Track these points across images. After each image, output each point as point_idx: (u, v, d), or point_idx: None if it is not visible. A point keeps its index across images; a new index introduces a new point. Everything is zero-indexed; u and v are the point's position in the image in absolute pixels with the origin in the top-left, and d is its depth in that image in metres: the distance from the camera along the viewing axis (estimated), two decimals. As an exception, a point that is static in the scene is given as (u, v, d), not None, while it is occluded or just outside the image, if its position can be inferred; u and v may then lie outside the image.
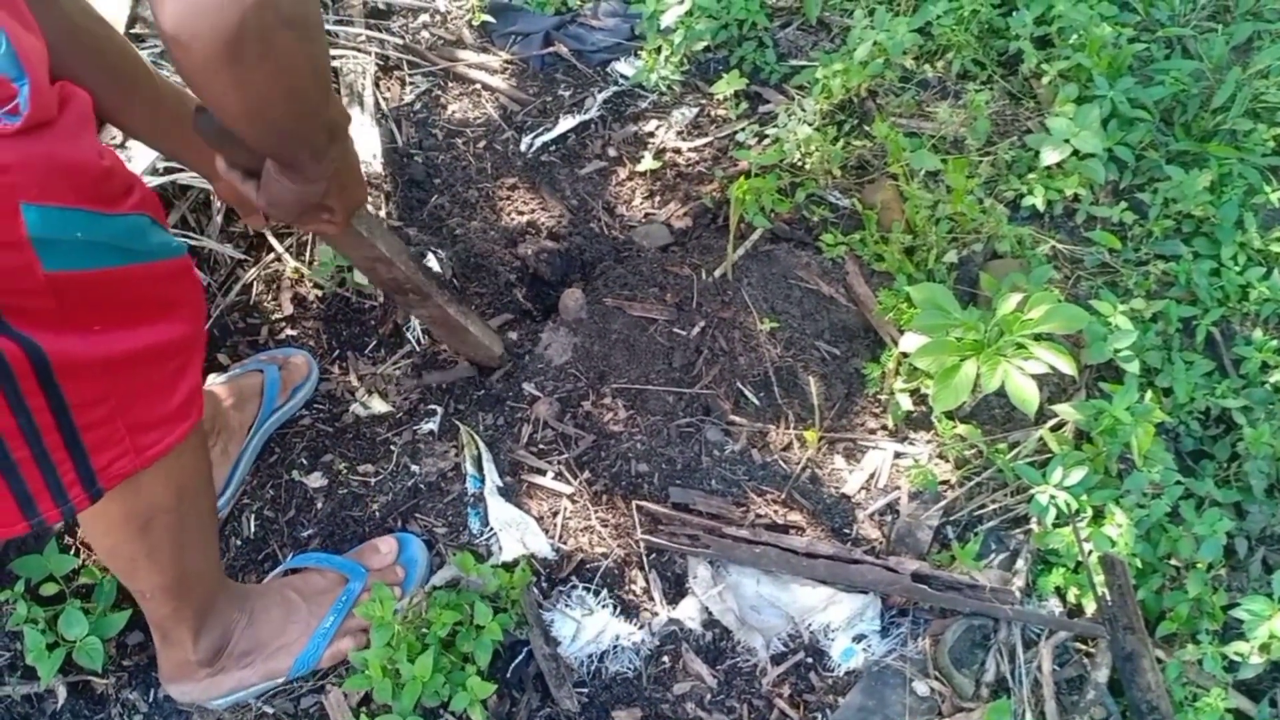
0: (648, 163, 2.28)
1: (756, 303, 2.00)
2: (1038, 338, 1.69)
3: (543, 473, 1.87)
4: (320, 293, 2.11)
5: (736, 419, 1.93)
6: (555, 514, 1.83)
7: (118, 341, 1.09)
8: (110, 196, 1.07)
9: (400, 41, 2.53)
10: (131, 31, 2.19)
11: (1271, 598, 1.65)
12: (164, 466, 1.23)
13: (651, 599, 1.75)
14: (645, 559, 1.78)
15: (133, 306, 1.11)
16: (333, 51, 2.39)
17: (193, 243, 2.06)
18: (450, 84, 2.50)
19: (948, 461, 1.89)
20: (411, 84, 2.48)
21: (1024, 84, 2.35)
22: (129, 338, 1.10)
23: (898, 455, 1.91)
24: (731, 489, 1.85)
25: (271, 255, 2.15)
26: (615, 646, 1.70)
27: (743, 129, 2.30)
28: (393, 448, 1.91)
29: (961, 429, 1.85)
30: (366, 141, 2.25)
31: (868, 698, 1.65)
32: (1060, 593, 1.73)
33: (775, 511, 1.82)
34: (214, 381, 1.91)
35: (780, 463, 1.89)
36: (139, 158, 1.96)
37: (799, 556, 1.71)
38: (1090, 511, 1.75)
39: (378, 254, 1.61)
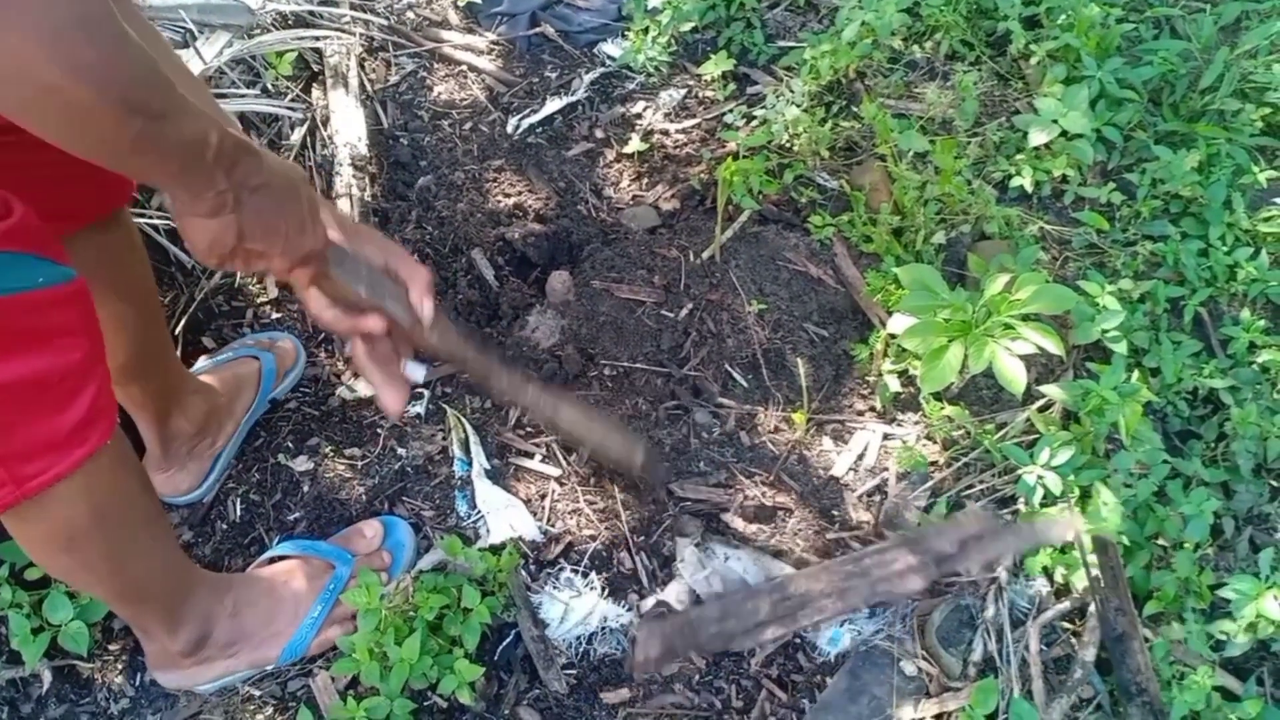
0: (635, 144, 2.27)
1: (744, 284, 2.00)
2: (1025, 318, 1.68)
3: (530, 455, 1.87)
4: (306, 276, 2.09)
5: (725, 401, 1.92)
6: (543, 496, 1.83)
7: None
8: None
9: (385, 22, 2.52)
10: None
11: (1258, 577, 1.65)
12: (69, 490, 1.18)
13: (639, 581, 1.75)
14: (632, 541, 1.77)
15: None
16: (317, 33, 2.37)
17: (176, 225, 2.04)
18: (436, 65, 2.48)
19: (936, 442, 1.89)
20: (397, 65, 2.47)
21: (1012, 65, 2.35)
22: None
23: (886, 436, 1.91)
24: (720, 471, 1.84)
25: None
26: (603, 628, 1.70)
27: (731, 110, 2.29)
28: (379, 431, 1.90)
29: (949, 410, 1.85)
30: (352, 123, 2.23)
31: (855, 678, 1.65)
32: (1048, 572, 1.73)
33: (763, 493, 1.82)
34: (206, 367, 1.90)
35: (769, 444, 1.88)
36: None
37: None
38: (1078, 492, 1.75)
39: (396, 317, 1.28)
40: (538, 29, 2.54)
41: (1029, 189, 2.05)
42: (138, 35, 0.86)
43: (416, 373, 1.33)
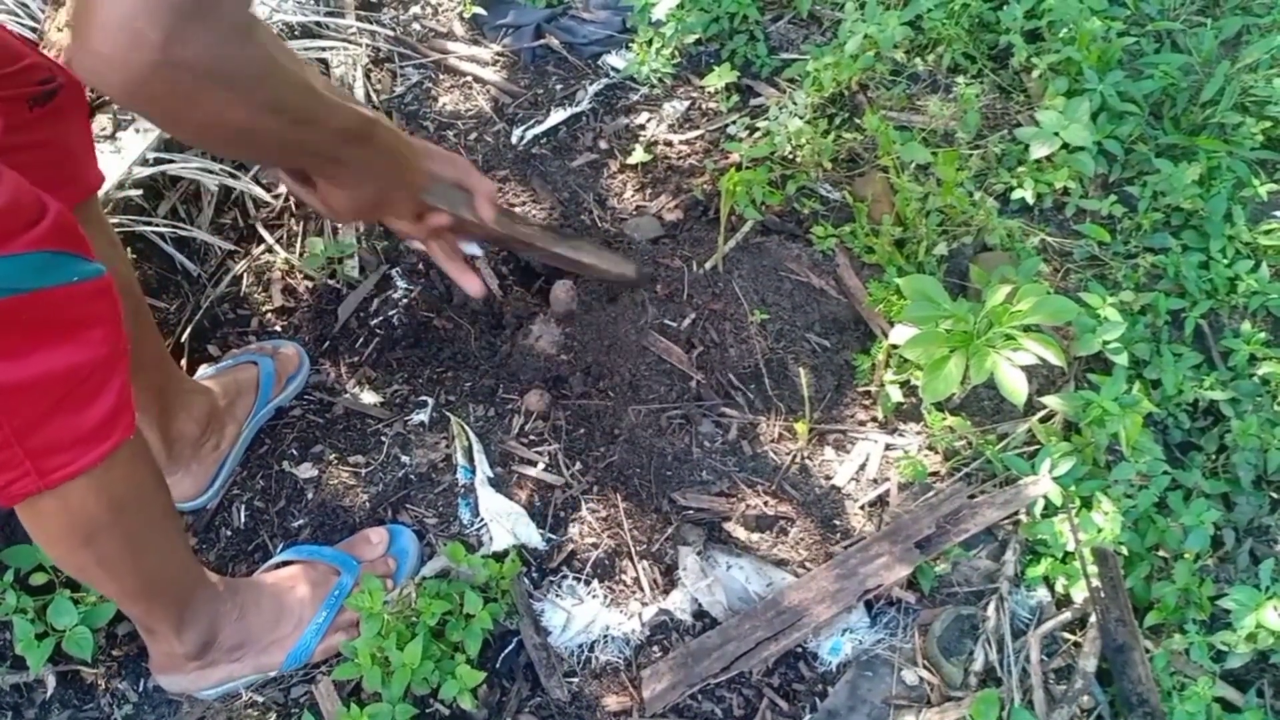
0: (639, 155, 2.28)
1: (747, 295, 2.01)
2: (1027, 329, 1.69)
3: (533, 464, 1.88)
4: (311, 284, 2.11)
5: (727, 410, 1.93)
6: (546, 505, 1.83)
7: (7, 371, 1.06)
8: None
9: (391, 33, 2.53)
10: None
11: (1259, 588, 1.65)
12: (90, 483, 1.20)
13: (641, 589, 1.75)
14: (635, 549, 1.78)
15: (27, 333, 1.08)
16: (323, 44, 2.39)
17: (183, 233, 2.06)
18: (441, 76, 2.50)
19: (937, 453, 1.89)
20: (402, 76, 2.48)
21: (1014, 77, 2.36)
22: (21, 366, 1.07)
23: (888, 447, 1.91)
24: (722, 480, 1.85)
25: (262, 247, 2.15)
26: (605, 636, 1.70)
27: (734, 122, 2.30)
28: (383, 439, 1.91)
29: (951, 420, 1.86)
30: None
31: (856, 687, 1.65)
32: (1048, 582, 1.73)
33: (765, 503, 1.83)
34: (207, 375, 1.91)
35: (771, 454, 1.89)
36: (129, 148, 1.96)
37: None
38: (1078, 502, 1.75)
39: (468, 221, 1.56)
40: (542, 40, 2.56)
41: (1030, 201, 2.06)
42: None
43: (473, 249, 1.64)
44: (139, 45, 0.83)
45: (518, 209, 2.22)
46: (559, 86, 2.47)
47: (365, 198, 1.28)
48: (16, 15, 2.04)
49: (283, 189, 2.18)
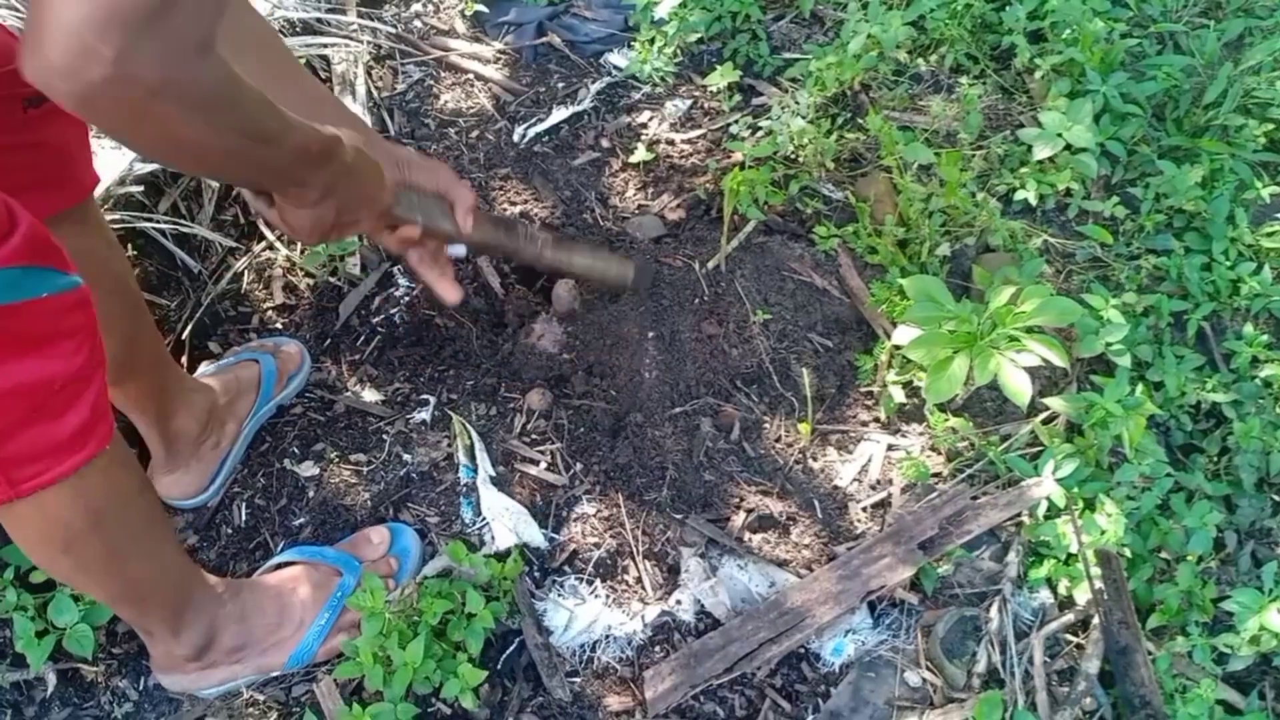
0: (641, 154, 2.27)
1: (749, 294, 2.00)
2: (1030, 331, 1.69)
3: (535, 463, 1.87)
4: (312, 281, 2.10)
5: (729, 410, 1.93)
6: (548, 504, 1.83)
7: None
8: None
9: (393, 30, 2.53)
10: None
11: (1261, 591, 1.65)
12: (66, 492, 1.20)
13: (644, 589, 1.75)
14: (637, 549, 1.78)
15: None
16: (324, 40, 2.38)
17: (184, 230, 2.05)
18: (443, 73, 2.49)
19: (940, 453, 1.89)
20: (404, 73, 2.48)
21: (1017, 78, 2.36)
22: None
23: (890, 447, 1.91)
24: (724, 480, 1.85)
25: (263, 244, 2.14)
26: (607, 636, 1.70)
27: (736, 121, 2.29)
28: (385, 437, 1.91)
29: (954, 421, 1.86)
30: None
31: (859, 688, 1.65)
32: (1051, 584, 1.73)
33: (768, 503, 1.82)
34: (208, 372, 1.90)
35: (773, 454, 1.89)
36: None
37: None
38: (1081, 504, 1.75)
39: (444, 231, 1.53)
40: (544, 38, 2.55)
41: (1033, 202, 2.06)
42: (251, 29, 1.09)
43: (457, 250, 1.61)
44: (89, 57, 0.80)
45: (519, 208, 2.21)
46: (561, 85, 2.47)
47: (326, 218, 1.24)
48: (17, 10, 2.03)
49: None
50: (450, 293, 1.56)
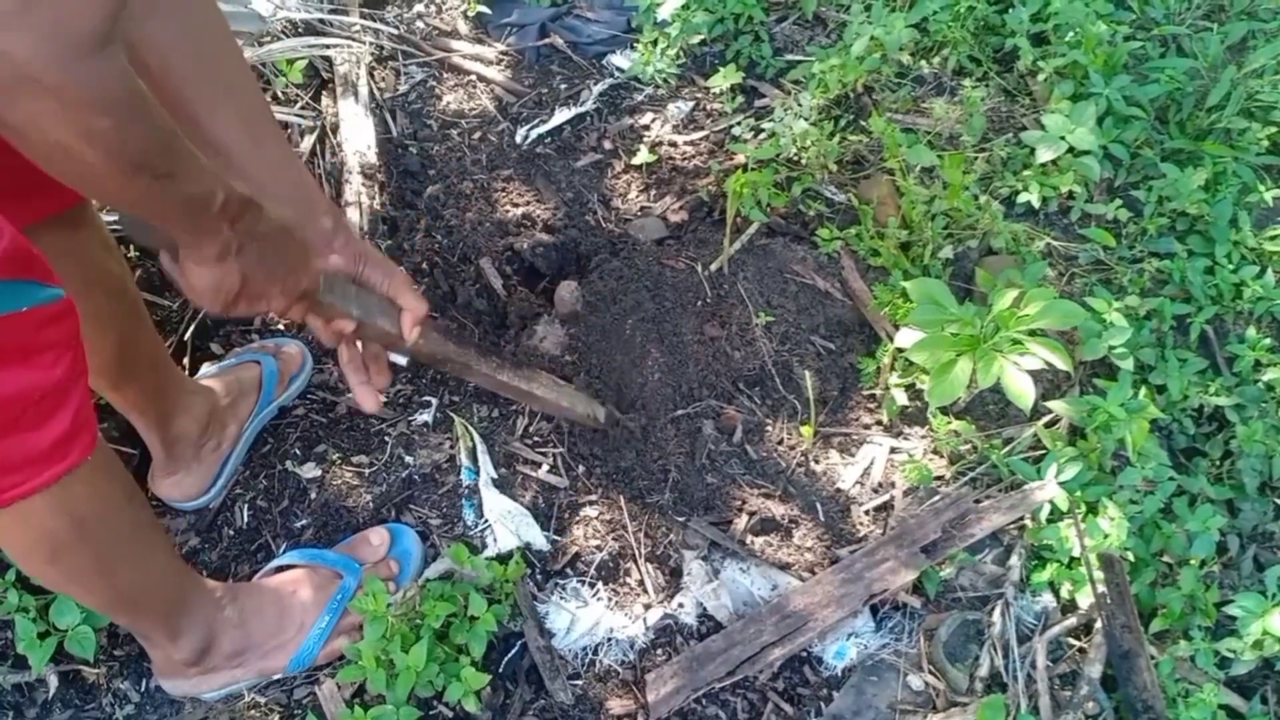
0: (643, 156, 2.27)
1: (752, 297, 2.00)
2: (1033, 334, 1.69)
3: (537, 465, 1.87)
4: (314, 283, 2.10)
5: (731, 413, 1.92)
6: (550, 506, 1.83)
7: None
8: None
9: (395, 31, 2.53)
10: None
11: (1264, 595, 1.65)
12: (49, 502, 1.19)
13: (646, 592, 1.75)
14: (639, 552, 1.78)
15: None
16: (327, 41, 2.38)
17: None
18: (445, 75, 2.49)
19: (942, 457, 1.89)
20: (406, 74, 2.47)
21: (1020, 81, 2.36)
22: None
23: (893, 450, 1.91)
24: (726, 483, 1.85)
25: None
26: (609, 639, 1.70)
27: (739, 123, 2.29)
28: (387, 439, 1.90)
29: (956, 424, 1.86)
30: (361, 131, 2.24)
31: (861, 692, 1.65)
32: (1053, 587, 1.73)
33: (770, 506, 1.82)
34: (209, 373, 1.90)
35: (775, 457, 1.89)
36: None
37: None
38: (1084, 507, 1.75)
39: (382, 333, 1.40)
40: (547, 40, 2.55)
41: (1036, 205, 2.06)
42: (202, 22, 1.02)
43: (400, 359, 1.48)
44: None
45: (521, 209, 2.21)
46: (563, 86, 2.46)
47: (230, 284, 1.13)
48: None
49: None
50: (367, 401, 1.44)
